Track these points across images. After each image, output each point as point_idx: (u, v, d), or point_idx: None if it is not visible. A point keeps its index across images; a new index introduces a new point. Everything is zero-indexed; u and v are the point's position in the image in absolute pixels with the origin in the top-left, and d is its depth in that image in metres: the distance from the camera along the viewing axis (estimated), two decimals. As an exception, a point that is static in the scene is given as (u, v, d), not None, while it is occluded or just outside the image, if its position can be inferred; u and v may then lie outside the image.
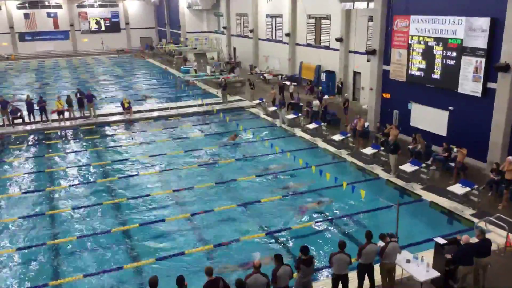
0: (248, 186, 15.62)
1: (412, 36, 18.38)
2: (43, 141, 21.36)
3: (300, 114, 23.23)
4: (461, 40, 16.18)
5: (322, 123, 21.39)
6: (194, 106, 26.75)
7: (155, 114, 25.41)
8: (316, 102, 23.19)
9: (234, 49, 45.41)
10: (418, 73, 18.42)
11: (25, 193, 15.33)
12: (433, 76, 17.70)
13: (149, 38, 59.02)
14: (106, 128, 23.35)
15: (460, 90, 16.58)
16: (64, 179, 16.57)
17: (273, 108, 24.78)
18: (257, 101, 27.02)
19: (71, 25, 54.88)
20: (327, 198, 14.35)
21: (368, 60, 21.60)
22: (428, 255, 9.74)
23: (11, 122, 22.76)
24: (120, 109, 25.26)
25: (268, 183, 15.91)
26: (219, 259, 11.17)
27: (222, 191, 15.31)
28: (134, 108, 25.43)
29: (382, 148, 17.48)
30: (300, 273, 8.41)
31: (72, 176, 16.86)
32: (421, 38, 18.00)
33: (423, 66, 18.11)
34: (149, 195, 14.95)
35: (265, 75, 35.40)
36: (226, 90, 27.69)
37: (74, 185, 15.97)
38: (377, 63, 20.55)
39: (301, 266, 8.32)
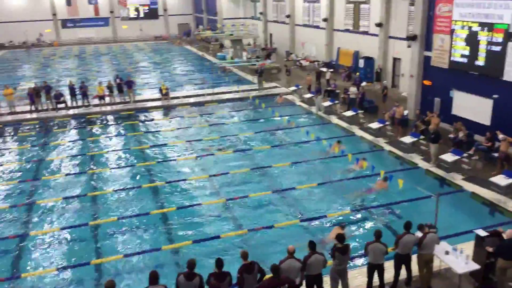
0: (283, 173, 15.63)
1: (456, 21, 17.69)
2: (85, 125, 22.08)
3: (336, 101, 22.95)
4: (508, 25, 15.44)
5: (359, 111, 21.07)
6: (230, 92, 26.87)
7: (192, 100, 25.71)
8: (353, 89, 22.83)
9: (270, 35, 45.15)
10: (461, 59, 17.76)
11: (68, 175, 15.94)
12: (476, 63, 17.03)
13: (187, 24, 59.50)
14: (145, 113, 23.84)
15: (505, 78, 15.89)
16: (105, 162, 17.11)
17: (309, 95, 24.57)
18: (293, 88, 26.84)
19: (111, 12, 56.00)
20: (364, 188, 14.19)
21: (408, 46, 21.00)
22: (468, 247, 9.49)
23: (54, 107, 23.60)
24: (158, 95, 25.70)
25: (303, 170, 15.86)
26: (253, 244, 11.29)
27: (258, 177, 15.40)
28: (171, 94, 25.79)
29: (422, 136, 17.06)
30: (335, 261, 8.39)
31: (112, 160, 17.38)
32: (464, 23, 17.30)
33: (466, 52, 17.44)
34: (185, 180, 15.23)
35: (301, 61, 35.07)
36: (262, 77, 27.63)
37: (114, 168, 16.46)
38: (418, 49, 19.95)
39: (336, 254, 8.29)
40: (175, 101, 25.29)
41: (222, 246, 11.25)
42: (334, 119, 21.32)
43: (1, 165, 17.02)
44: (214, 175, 15.44)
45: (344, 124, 20.46)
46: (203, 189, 14.62)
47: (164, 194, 14.27)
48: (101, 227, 12.35)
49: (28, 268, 10.60)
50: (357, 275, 9.46)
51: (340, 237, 8.35)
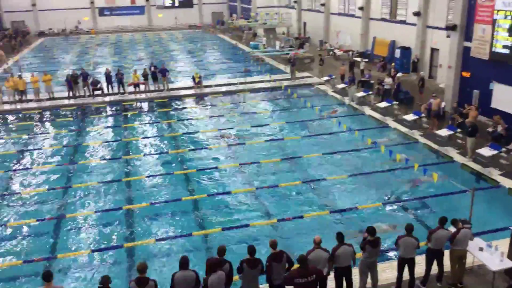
0: (314, 164, 15.55)
1: (498, 10, 16.94)
2: (120, 112, 22.58)
3: (370, 92, 22.53)
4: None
5: (394, 102, 20.63)
6: (262, 81, 26.81)
7: (224, 88, 25.82)
8: (388, 80, 22.34)
9: (304, 24, 44.65)
10: (503, 50, 17.04)
11: (104, 160, 16.39)
12: (520, 54, 16.31)
13: (221, 13, 59.57)
14: (178, 101, 24.14)
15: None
16: (139, 149, 17.47)
17: (342, 85, 24.23)
18: (326, 78, 26.52)
19: (147, 0, 56.66)
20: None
21: (447, 36, 20.32)
22: (503, 244, 9.20)
23: (91, 93, 24.22)
24: (191, 83, 25.95)
25: (335, 161, 15.72)
26: (282, 234, 11.32)
27: (288, 167, 15.38)
28: (204, 82, 25.98)
29: (459, 130, 16.56)
30: (365, 254, 8.31)
31: (146, 146, 17.73)
32: (508, 13, 16.55)
33: (509, 43, 16.71)
34: (216, 167, 15.39)
35: (335, 51, 34.57)
36: (295, 66, 27.42)
37: (147, 154, 16.80)
38: (457, 39, 19.27)
39: (367, 246, 8.21)
40: (207, 90, 25.47)
41: (251, 234, 11.34)
42: (367, 110, 20.96)
43: (40, 148, 17.67)
44: (245, 164, 15.52)
45: (377, 116, 20.09)
46: (234, 177, 14.73)
47: (195, 181, 14.47)
48: (134, 211, 12.67)
49: (64, 249, 11.00)
50: (386, 269, 9.35)
51: (371, 230, 8.25)
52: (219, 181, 14.47)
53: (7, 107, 22.89)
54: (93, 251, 10.80)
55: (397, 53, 27.99)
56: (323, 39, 38.95)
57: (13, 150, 17.60)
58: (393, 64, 26.49)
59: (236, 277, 7.82)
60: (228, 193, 13.53)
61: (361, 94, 22.32)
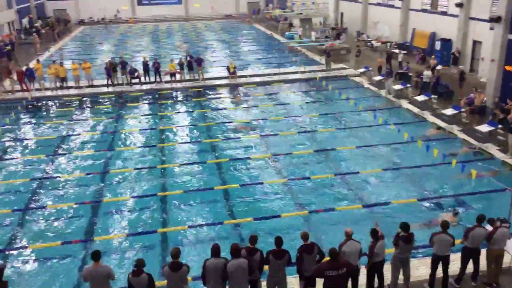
0: (347, 156, 15.39)
1: (549, 0, 16.14)
2: (156, 101, 22.98)
3: (408, 85, 22.01)
4: None
5: (433, 96, 20.10)
6: (297, 73, 26.63)
7: (258, 79, 25.81)
8: (427, 73, 21.72)
9: (341, 14, 43.90)
10: (552, 43, 16.25)
11: (140, 147, 16.76)
12: None
13: (257, 3, 59.33)
14: (212, 91, 24.33)
15: None
16: (173, 137, 17.76)
17: (379, 78, 23.77)
18: (362, 70, 26.06)
19: (187, -11, 57.13)
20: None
21: (491, 28, 19.53)
22: (544, 245, 8.86)
23: (129, 81, 24.74)
24: (225, 73, 26.07)
25: (369, 154, 15.50)
26: (313, 226, 11.29)
27: (321, 159, 15.28)
28: (239, 73, 26.05)
29: (500, 126, 15.96)
30: (397, 250, 8.20)
31: (180, 135, 18.01)
32: (560, 3, 15.75)
33: (559, 35, 15.91)
34: (249, 158, 15.47)
35: (373, 42, 33.87)
36: (330, 57, 27.07)
37: (182, 143, 17.07)
38: (501, 31, 18.47)
39: (400, 242, 8.09)
40: (242, 80, 25.53)
41: (282, 225, 11.37)
42: (404, 104, 20.48)
43: (79, 134, 18.25)
44: (277, 155, 15.53)
45: (415, 109, 19.61)
46: (266, 168, 14.78)
47: (228, 171, 14.60)
48: (168, 198, 12.93)
49: (100, 232, 11.38)
50: (419, 265, 9.19)
51: (404, 226, 8.12)
52: (251, 171, 14.54)
53: (48, 93, 23.71)
54: (128, 235, 11.12)
55: (437, 45, 27.16)
56: (360, 30, 38.22)
57: (54, 136, 18.25)
58: (433, 56, 25.71)
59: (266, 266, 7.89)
60: (260, 183, 13.59)
61: (398, 87, 21.83)
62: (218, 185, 13.56)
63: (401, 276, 8.47)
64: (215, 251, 7.45)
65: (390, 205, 12.05)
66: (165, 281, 7.48)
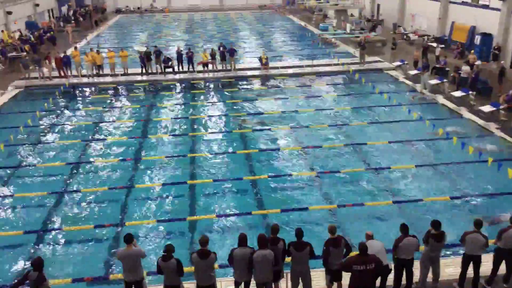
0: (379, 151, 15.14)
1: None
2: (189, 90, 23.22)
3: (445, 80, 21.39)
4: None
5: (470, 92, 19.45)
6: (330, 65, 26.30)
7: (290, 71, 25.65)
8: (466, 68, 21.03)
9: (378, 5, 42.92)
10: None
11: (171, 135, 17.01)
12: None
13: (291, -7, 58.80)
14: (244, 81, 24.35)
15: None
16: (204, 126, 17.92)
17: (414, 71, 23.20)
18: (398, 63, 25.48)
19: (219, -20, 57.21)
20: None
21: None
22: None
23: (163, 70, 25.07)
24: (257, 64, 26.03)
25: (401, 150, 15.20)
26: (341, 220, 11.21)
27: (351, 153, 15.11)
28: (271, 64, 25.95)
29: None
30: (428, 247, 8.03)
31: (211, 124, 18.15)
32: None
33: None
34: (278, 149, 15.46)
35: (410, 35, 33.03)
36: (365, 50, 26.57)
37: (212, 132, 17.21)
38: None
39: (430, 240, 7.92)
40: (273, 71, 25.43)
41: (309, 218, 11.35)
42: (440, 99, 19.93)
43: (114, 121, 18.68)
44: (307, 147, 15.45)
45: (451, 105, 19.06)
46: (295, 160, 14.73)
47: (257, 162, 14.65)
48: (197, 186, 13.10)
49: (132, 217, 11.66)
50: (450, 264, 9.00)
51: (436, 224, 7.94)
52: (281, 163, 14.53)
53: (85, 80, 24.33)
54: (158, 221, 11.34)
55: (477, 40, 26.23)
56: (397, 22, 37.30)
57: (89, 122, 18.75)
58: (472, 51, 24.86)
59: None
60: (289, 175, 13.58)
61: (434, 81, 21.26)
62: (247, 176, 13.62)
63: (430, 275, 8.31)
64: (242, 240, 7.53)
65: (422, 202, 11.81)
66: (193, 267, 7.61)
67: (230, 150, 15.64)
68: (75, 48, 25.83)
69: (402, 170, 13.69)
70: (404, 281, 8.16)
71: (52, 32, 34.38)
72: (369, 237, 7.86)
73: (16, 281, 7.44)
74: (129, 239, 7.63)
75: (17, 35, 34.38)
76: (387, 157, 14.66)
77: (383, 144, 15.54)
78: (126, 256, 7.61)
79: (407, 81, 22.95)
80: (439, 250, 8.12)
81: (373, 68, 25.67)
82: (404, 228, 7.92)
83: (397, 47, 27.34)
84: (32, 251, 10.37)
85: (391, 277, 8.15)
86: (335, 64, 26.20)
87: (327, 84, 23.52)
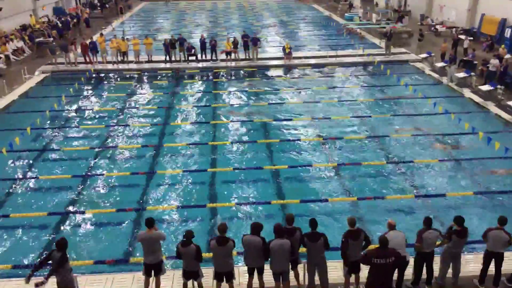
0: (402, 144, 14.92)
1: None
2: (211, 78, 23.27)
3: (472, 73, 20.86)
4: None
5: (499, 86, 18.93)
6: (354, 55, 25.94)
7: (313, 61, 25.41)
8: (494, 61, 20.43)
9: (405, -4, 42.01)
10: None
11: (193, 123, 17.12)
12: None
13: (316, -18, 57.98)
14: (266, 71, 24.25)
15: None
16: (226, 115, 17.95)
17: (441, 64, 22.69)
18: (424, 55, 24.95)
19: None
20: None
21: None
22: None
23: (186, 58, 25.16)
24: (280, 54, 25.85)
25: (425, 143, 14.94)
26: (361, 212, 11.13)
27: (373, 146, 14.93)
28: (294, 54, 25.74)
29: None
30: (450, 243, 7.90)
31: (232, 113, 18.13)
32: None
33: None
34: (299, 140, 15.40)
35: (437, 26, 32.24)
36: (391, 41, 26.06)
37: (233, 121, 17.22)
38: None
39: (453, 236, 7.79)
40: (296, 61, 25.24)
41: (329, 209, 11.30)
42: (467, 93, 19.47)
43: (137, 108, 18.89)
44: (329, 138, 15.34)
45: (478, 99, 18.59)
46: (316, 151, 14.65)
47: (278, 152, 14.63)
48: (218, 174, 13.17)
49: (152, 202, 11.83)
50: (471, 260, 8.86)
51: (459, 219, 7.80)
52: (301, 154, 14.47)
53: (110, 66, 24.63)
54: (178, 207, 11.48)
55: (507, 33, 25.44)
56: (424, 13, 36.45)
57: (113, 107, 19.02)
58: (502, 46, 24.12)
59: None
60: (309, 165, 13.52)
61: (462, 74, 20.76)
62: (267, 165, 13.62)
63: (450, 270, 8.20)
64: (255, 229, 7.59)
65: (445, 197, 11.61)
66: (211, 254, 7.69)
67: (251, 139, 15.65)
68: (101, 34, 26.13)
69: (425, 164, 13.47)
70: (424, 275, 8.08)
71: (74, 20, 34.97)
72: (392, 227, 7.77)
73: (39, 260, 7.63)
74: (151, 222, 7.79)
75: (44, 20, 34.97)
76: (410, 150, 14.44)
77: (406, 137, 15.31)
78: (147, 238, 7.76)
79: (433, 74, 22.47)
80: (461, 246, 7.99)
81: (399, 60, 25.22)
82: (427, 221, 7.81)
83: (424, 39, 26.75)
84: (55, 232, 10.63)
85: (408, 272, 8.08)
86: (359, 55, 25.82)
87: (351, 75, 23.23)
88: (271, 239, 7.55)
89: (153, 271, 7.97)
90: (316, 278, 8.00)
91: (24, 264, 9.48)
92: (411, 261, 8.07)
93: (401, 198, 11.69)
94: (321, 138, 15.42)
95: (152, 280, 8.08)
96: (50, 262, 7.42)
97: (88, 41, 24.96)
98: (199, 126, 16.89)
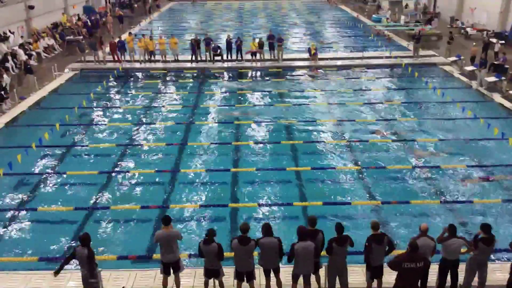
0: (428, 149, 14.62)
1: None
2: (236, 78, 23.36)
3: (503, 78, 20.29)
4: None
5: (531, 91, 18.39)
6: (381, 57, 25.59)
7: (339, 62, 25.19)
8: (527, 65, 19.88)
9: (435, -2, 41.23)
10: None
11: (217, 123, 17.21)
12: None
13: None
14: (291, 72, 24.16)
15: None
16: (250, 115, 17.96)
17: (471, 68, 22.16)
18: (454, 58, 24.40)
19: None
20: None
21: None
22: None
23: (212, 58, 25.32)
24: (306, 55, 25.73)
25: (453, 149, 14.60)
26: (385, 216, 10.98)
27: (398, 149, 14.70)
28: (320, 55, 25.57)
29: None
30: (476, 251, 7.71)
31: (256, 113, 18.15)
32: None
33: None
34: (323, 142, 15.30)
35: (468, 29, 31.51)
36: (419, 43, 25.60)
37: (257, 121, 17.23)
38: None
39: (480, 244, 7.60)
40: (322, 63, 25.08)
41: (352, 212, 11.20)
42: (497, 98, 18.95)
43: (163, 106, 19.13)
44: (353, 141, 15.19)
45: (508, 104, 18.08)
46: (339, 153, 14.51)
47: (301, 153, 14.56)
48: (241, 174, 13.21)
49: (176, 200, 11.95)
50: (497, 270, 8.62)
51: (486, 227, 7.61)
52: (325, 156, 14.37)
53: (137, 65, 25.01)
54: (201, 206, 11.56)
55: (543, 36, 24.66)
56: (454, 16, 35.69)
57: (139, 106, 19.30)
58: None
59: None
60: (333, 168, 13.41)
61: (492, 79, 20.22)
62: (290, 166, 13.57)
63: (476, 279, 8.00)
64: (267, 230, 7.58)
65: (472, 204, 11.34)
66: (233, 253, 7.72)
67: (274, 139, 15.62)
68: (129, 33, 26.55)
69: (452, 169, 13.18)
70: (448, 282, 7.92)
71: (104, 19, 35.84)
72: (424, 231, 7.63)
73: (65, 259, 7.79)
74: (168, 220, 7.89)
75: (75, 19, 35.80)
76: (436, 155, 14.15)
77: (433, 142, 15.02)
78: (165, 237, 7.85)
79: (463, 77, 21.97)
80: (488, 254, 7.79)
81: (427, 63, 24.76)
82: (451, 228, 7.65)
83: (453, 42, 26.18)
84: (80, 226, 10.86)
85: (431, 279, 7.92)
86: (386, 57, 25.47)
87: (377, 77, 22.94)
88: (294, 242, 7.53)
89: (172, 269, 8.05)
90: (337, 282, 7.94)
91: (50, 257, 9.71)
92: (436, 268, 7.91)
93: (427, 203, 11.47)
94: (345, 141, 15.29)
95: (171, 278, 8.16)
96: (74, 259, 7.60)
97: (116, 40, 25.40)
98: (223, 125, 16.96)
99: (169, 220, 7.92)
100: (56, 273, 7.64)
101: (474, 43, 24.80)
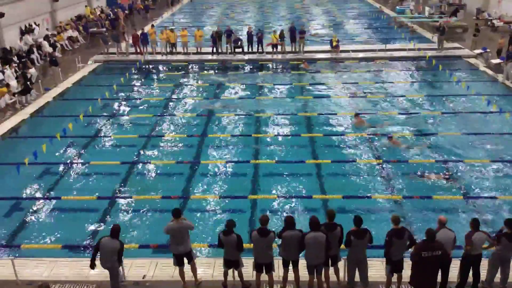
0: (451, 143, 14.36)
1: None
2: (257, 71, 23.33)
3: (531, 71, 19.73)
4: None
5: (560, 85, 17.83)
6: (404, 50, 25.14)
7: (361, 55, 24.88)
8: (556, 58, 19.26)
9: (461, -11, 40.21)
10: None
11: (237, 115, 17.24)
12: None
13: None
14: (313, 64, 23.96)
15: None
16: (270, 107, 17.93)
17: (497, 61, 21.58)
18: (479, 51, 23.80)
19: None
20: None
21: None
22: None
23: (232, 50, 25.33)
24: (327, 47, 25.48)
25: (477, 143, 14.29)
26: (406, 211, 10.86)
27: (420, 143, 14.47)
28: (341, 47, 25.27)
29: None
30: (499, 247, 7.58)
31: (276, 106, 18.09)
32: None
33: None
34: (343, 135, 15.18)
35: (494, 21, 30.66)
36: (444, 36, 25.04)
37: (278, 114, 17.17)
38: None
39: (503, 239, 7.47)
40: (343, 55, 24.81)
41: (372, 206, 11.12)
42: (524, 91, 18.49)
43: (184, 98, 19.27)
44: (373, 135, 15.02)
45: (536, 98, 17.63)
46: (360, 146, 14.38)
47: (321, 146, 14.49)
48: (260, 166, 13.25)
49: (196, 191, 12.07)
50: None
51: (510, 223, 7.47)
52: (344, 149, 14.27)
53: (159, 57, 25.21)
54: (220, 197, 11.65)
55: None
56: (481, 7, 34.74)
57: (161, 97, 19.49)
58: None
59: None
60: (353, 161, 13.32)
61: (519, 72, 19.68)
62: (310, 159, 13.53)
63: (498, 275, 7.87)
64: (290, 223, 7.62)
65: (496, 200, 11.12)
66: (252, 244, 7.77)
67: (294, 132, 15.58)
68: (152, 26, 26.76)
69: (475, 164, 12.93)
70: (470, 278, 7.81)
71: (126, 11, 36.30)
72: (442, 223, 7.57)
73: (94, 251, 7.92)
74: (178, 212, 7.97)
75: (98, 11, 36.24)
76: (460, 149, 13.89)
77: (456, 136, 14.75)
78: (176, 229, 7.91)
79: (488, 71, 21.44)
80: (511, 250, 7.65)
81: (452, 55, 24.22)
82: (475, 223, 7.54)
83: (479, 34, 25.53)
84: (103, 216, 11.08)
85: (452, 274, 7.83)
86: (410, 49, 25.01)
87: (401, 70, 22.58)
88: (306, 232, 7.54)
89: (185, 259, 8.14)
90: (356, 275, 7.91)
91: (73, 244, 9.94)
92: (457, 263, 7.81)
93: (449, 198, 11.30)
94: (366, 134, 15.13)
95: (187, 269, 8.25)
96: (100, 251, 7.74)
97: (139, 32, 25.63)
98: (243, 117, 16.99)
99: (179, 212, 8.02)
100: (92, 266, 7.80)
101: (501, 36, 24.13)
